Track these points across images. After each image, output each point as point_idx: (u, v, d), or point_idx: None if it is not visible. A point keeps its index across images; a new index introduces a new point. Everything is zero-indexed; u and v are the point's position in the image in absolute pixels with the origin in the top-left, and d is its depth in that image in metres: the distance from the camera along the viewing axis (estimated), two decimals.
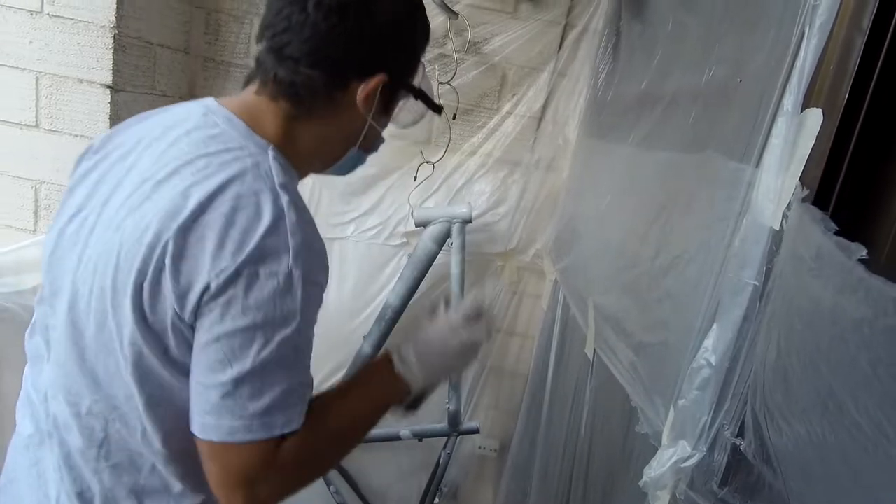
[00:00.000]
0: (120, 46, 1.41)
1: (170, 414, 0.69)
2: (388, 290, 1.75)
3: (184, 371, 0.67)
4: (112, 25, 1.38)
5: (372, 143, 0.83)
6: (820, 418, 0.51)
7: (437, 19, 1.74)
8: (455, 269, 1.72)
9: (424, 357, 0.78)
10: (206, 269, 0.62)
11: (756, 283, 0.65)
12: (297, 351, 0.66)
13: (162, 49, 1.59)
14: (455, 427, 1.81)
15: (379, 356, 0.81)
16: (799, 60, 0.62)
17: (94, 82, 1.41)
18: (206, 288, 0.62)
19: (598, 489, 1.14)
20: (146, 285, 0.64)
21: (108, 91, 1.41)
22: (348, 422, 0.74)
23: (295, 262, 0.63)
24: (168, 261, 0.63)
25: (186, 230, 0.63)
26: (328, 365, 1.93)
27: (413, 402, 0.81)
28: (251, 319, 0.62)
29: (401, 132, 1.84)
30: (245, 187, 0.65)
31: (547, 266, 1.91)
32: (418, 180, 1.83)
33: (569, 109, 1.84)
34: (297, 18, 0.69)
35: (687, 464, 0.71)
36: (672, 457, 0.72)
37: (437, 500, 1.84)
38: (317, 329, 0.84)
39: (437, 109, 0.85)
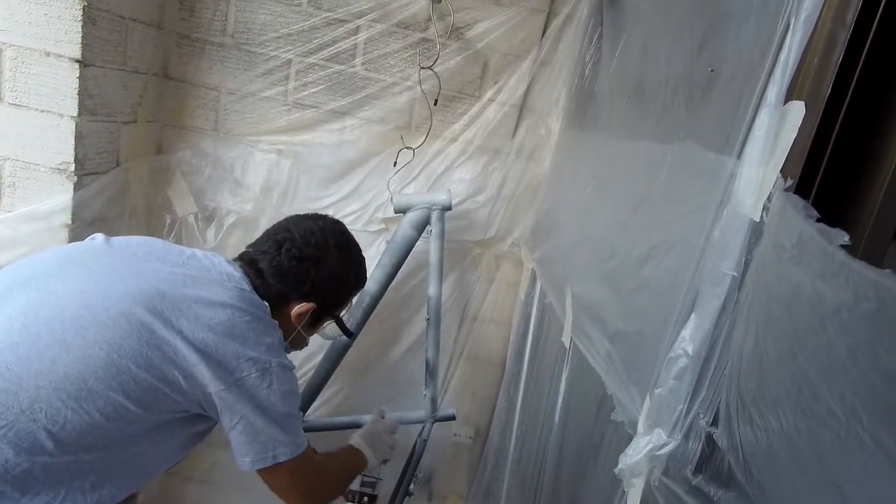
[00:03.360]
0: (89, 19, 1.35)
1: None
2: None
3: None
4: None
5: (298, 343, 1.21)
6: (789, 404, 0.52)
7: (419, 3, 1.72)
8: (434, 257, 1.72)
9: (371, 446, 1.33)
10: None
11: (735, 273, 0.66)
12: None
13: (134, 23, 1.54)
14: (431, 414, 1.82)
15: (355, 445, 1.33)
16: (783, 53, 0.62)
17: (61, 55, 1.35)
18: None
19: (572, 476, 1.15)
20: None
21: (76, 65, 1.36)
22: (341, 464, 1.26)
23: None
24: None
25: None
26: (307, 349, 1.90)
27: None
28: None
29: (381, 117, 1.82)
30: None
31: (524, 255, 1.91)
32: (398, 166, 1.81)
33: (551, 99, 1.83)
34: (272, 253, 1.11)
35: (662, 451, 0.71)
36: (648, 444, 0.73)
37: (412, 486, 1.84)
38: None
39: (350, 335, 1.32)
